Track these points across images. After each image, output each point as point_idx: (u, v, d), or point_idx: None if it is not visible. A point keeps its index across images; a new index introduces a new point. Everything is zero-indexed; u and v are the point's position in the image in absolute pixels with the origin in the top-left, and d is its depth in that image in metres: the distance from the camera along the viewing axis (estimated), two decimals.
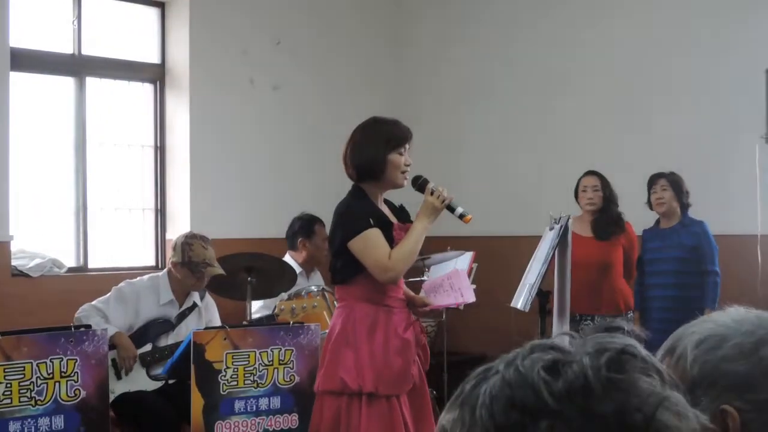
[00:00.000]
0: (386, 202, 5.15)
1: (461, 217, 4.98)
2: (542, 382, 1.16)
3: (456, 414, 1.22)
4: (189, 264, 6.41)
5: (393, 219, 5.03)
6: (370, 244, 4.81)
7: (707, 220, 7.48)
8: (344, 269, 4.93)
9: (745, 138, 7.99)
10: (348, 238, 4.84)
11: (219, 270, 6.45)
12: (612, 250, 7.50)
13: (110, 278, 7.13)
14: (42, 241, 8.02)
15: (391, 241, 4.86)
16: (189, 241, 6.47)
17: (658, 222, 7.67)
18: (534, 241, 6.04)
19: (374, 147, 4.92)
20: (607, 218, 7.54)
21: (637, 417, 1.16)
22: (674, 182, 7.52)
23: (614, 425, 1.15)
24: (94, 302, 6.36)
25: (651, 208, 7.60)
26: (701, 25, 8.31)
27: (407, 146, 4.97)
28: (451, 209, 4.98)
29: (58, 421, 5.30)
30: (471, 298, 5.40)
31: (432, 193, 4.93)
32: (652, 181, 7.59)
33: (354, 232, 4.83)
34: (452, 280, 5.20)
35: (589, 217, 7.57)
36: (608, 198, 7.56)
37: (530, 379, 1.17)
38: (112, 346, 6.14)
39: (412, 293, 5.24)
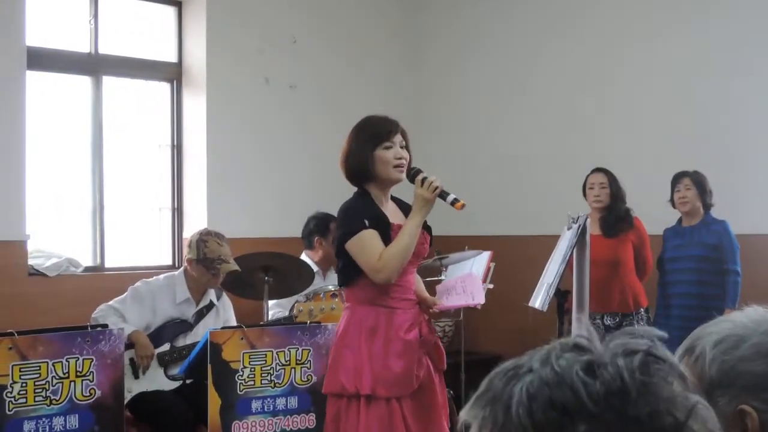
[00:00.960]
0: (396, 200, 5.09)
1: (453, 203, 4.82)
2: (581, 383, 1.16)
3: (486, 411, 1.21)
4: (204, 261, 6.39)
5: (400, 218, 4.95)
6: (362, 245, 4.74)
7: (727, 220, 7.44)
8: (345, 271, 4.89)
9: (765, 136, 7.94)
10: (344, 240, 4.80)
11: (234, 266, 6.43)
12: (621, 247, 7.47)
13: (127, 278, 7.12)
14: (59, 240, 8.04)
15: (389, 242, 4.79)
16: (204, 238, 6.45)
17: (680, 221, 7.63)
18: (552, 240, 6.00)
19: (361, 147, 4.85)
20: (614, 215, 7.51)
21: (668, 420, 1.16)
22: (698, 182, 7.48)
23: (648, 428, 1.15)
24: (110, 302, 6.36)
25: (674, 206, 7.56)
26: (721, 25, 8.26)
27: (396, 139, 4.87)
28: (443, 197, 4.84)
29: (73, 421, 5.30)
30: (481, 299, 5.31)
31: (422, 185, 4.80)
32: (676, 179, 7.55)
33: (349, 234, 4.77)
34: (465, 283, 5.12)
35: (597, 215, 7.54)
36: (615, 195, 7.53)
37: (569, 379, 1.17)
38: (130, 344, 6.14)
39: (425, 294, 5.18)
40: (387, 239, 4.79)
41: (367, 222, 4.76)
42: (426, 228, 4.98)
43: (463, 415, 1.24)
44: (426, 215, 4.82)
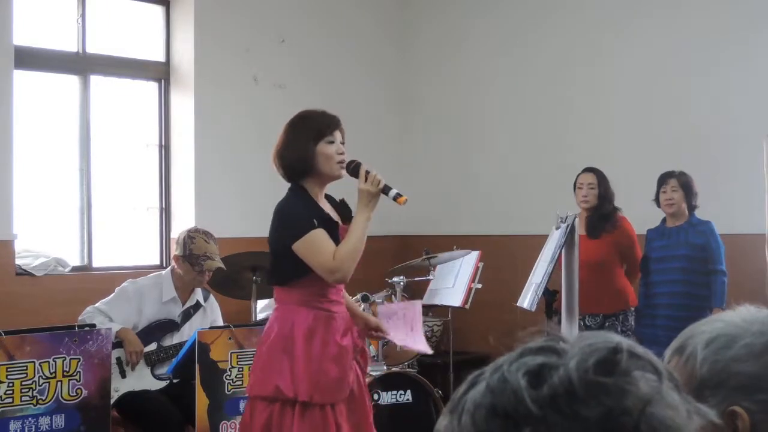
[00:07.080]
0: (327, 197, 4.93)
1: (395, 198, 4.67)
2: (525, 388, 1.14)
3: (447, 420, 1.21)
4: (189, 257, 6.35)
5: (335, 217, 4.84)
6: (315, 246, 4.62)
7: (713, 219, 7.43)
8: (287, 272, 4.72)
9: (751, 136, 7.95)
10: (292, 240, 4.65)
11: (219, 263, 6.38)
12: (604, 248, 7.40)
13: (114, 277, 7.10)
14: (46, 240, 8.01)
15: (337, 242, 4.67)
16: (192, 235, 6.42)
17: (664, 220, 7.60)
18: (541, 240, 6.01)
19: (302, 142, 4.71)
20: (598, 216, 7.47)
21: (625, 420, 1.13)
22: (685, 183, 7.43)
23: (601, 428, 1.12)
24: (97, 304, 6.31)
25: (658, 205, 7.53)
26: (707, 24, 8.27)
27: (338, 134, 4.76)
28: (386, 191, 4.68)
29: (59, 420, 5.29)
30: (422, 346, 5.04)
31: (366, 179, 4.67)
32: (663, 180, 7.50)
33: (298, 235, 4.64)
34: (407, 310, 4.89)
35: (584, 215, 7.51)
36: (603, 196, 7.48)
37: (513, 385, 1.15)
38: (118, 342, 6.11)
39: (365, 315, 5.01)
40: (336, 238, 4.68)
41: (316, 221, 4.64)
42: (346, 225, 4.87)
43: (437, 425, 1.24)
44: (373, 209, 4.67)
